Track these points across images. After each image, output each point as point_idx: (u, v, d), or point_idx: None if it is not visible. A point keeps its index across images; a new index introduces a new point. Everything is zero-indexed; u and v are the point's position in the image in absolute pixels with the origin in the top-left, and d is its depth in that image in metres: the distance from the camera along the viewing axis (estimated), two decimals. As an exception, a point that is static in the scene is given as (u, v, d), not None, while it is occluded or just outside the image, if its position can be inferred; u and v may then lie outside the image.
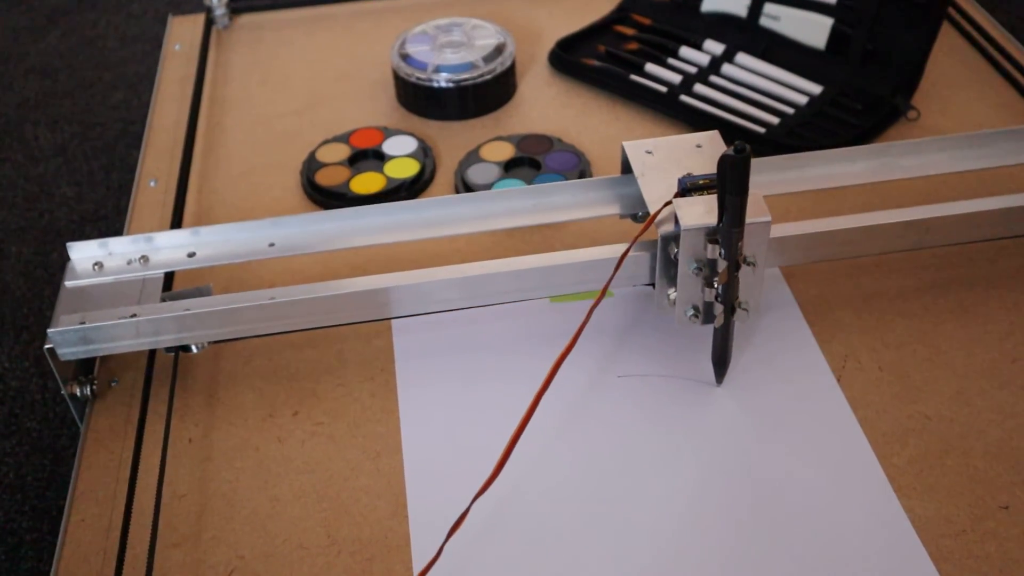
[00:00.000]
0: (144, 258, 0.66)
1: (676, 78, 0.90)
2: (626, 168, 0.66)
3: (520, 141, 0.84)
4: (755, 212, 0.57)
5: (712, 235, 0.57)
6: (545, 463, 0.59)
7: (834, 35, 0.89)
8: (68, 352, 0.62)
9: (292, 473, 0.60)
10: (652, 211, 0.60)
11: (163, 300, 0.65)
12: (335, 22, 1.05)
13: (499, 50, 0.90)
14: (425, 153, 0.84)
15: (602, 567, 0.54)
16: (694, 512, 0.56)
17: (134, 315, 0.61)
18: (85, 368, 0.66)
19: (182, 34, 1.04)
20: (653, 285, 0.63)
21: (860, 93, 0.86)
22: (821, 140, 0.82)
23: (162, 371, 0.66)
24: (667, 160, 0.64)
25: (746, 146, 0.51)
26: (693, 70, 0.91)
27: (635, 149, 0.66)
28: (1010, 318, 0.67)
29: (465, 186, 0.80)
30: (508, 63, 0.90)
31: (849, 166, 0.68)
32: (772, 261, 0.64)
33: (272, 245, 0.66)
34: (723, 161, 0.53)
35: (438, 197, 0.67)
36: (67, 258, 0.66)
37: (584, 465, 0.59)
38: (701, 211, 0.58)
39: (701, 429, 0.61)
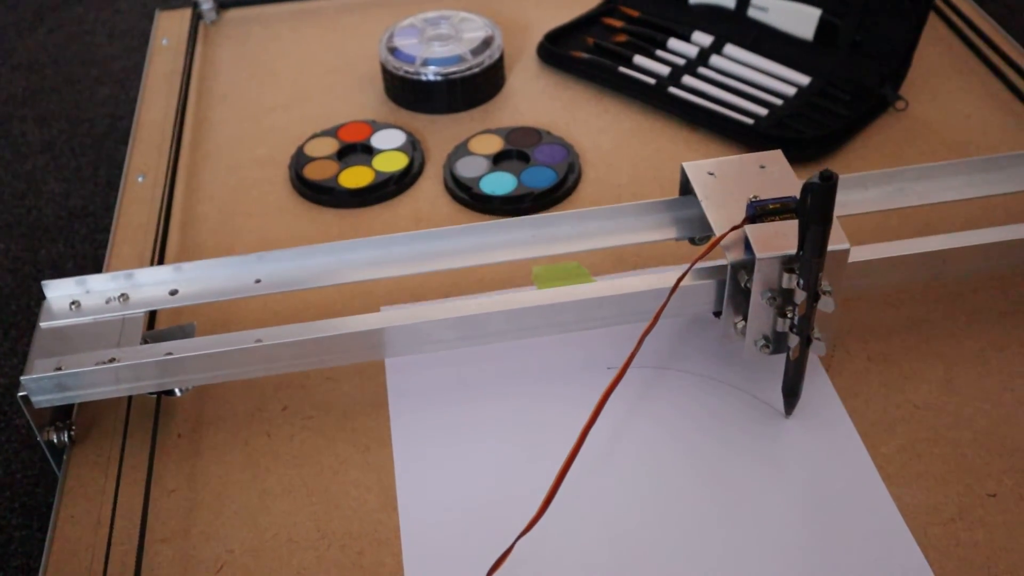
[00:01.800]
0: (124, 296, 0.63)
1: (665, 70, 0.90)
2: (684, 189, 0.64)
3: (509, 134, 0.84)
4: (834, 239, 0.54)
5: (789, 264, 0.55)
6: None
7: (822, 26, 0.89)
8: (43, 400, 0.58)
9: (281, 467, 0.60)
10: (718, 236, 0.57)
11: (144, 340, 0.62)
12: (322, 16, 1.04)
13: (487, 43, 0.90)
14: (414, 147, 0.84)
15: (602, 551, 0.54)
16: (677, 496, 0.56)
17: (113, 360, 0.58)
18: (63, 412, 0.63)
19: (169, 29, 1.04)
20: (717, 314, 0.60)
21: (848, 84, 0.86)
22: (810, 131, 0.82)
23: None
24: (731, 182, 0.61)
25: (833, 173, 0.49)
26: (681, 62, 0.91)
27: (696, 170, 0.62)
28: (998, 306, 0.67)
29: (454, 179, 0.80)
30: (496, 56, 0.90)
31: (862, 193, 0.65)
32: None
33: (258, 282, 0.63)
34: (807, 189, 0.50)
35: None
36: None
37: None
38: (775, 238, 0.55)
39: (698, 423, 0.61)
